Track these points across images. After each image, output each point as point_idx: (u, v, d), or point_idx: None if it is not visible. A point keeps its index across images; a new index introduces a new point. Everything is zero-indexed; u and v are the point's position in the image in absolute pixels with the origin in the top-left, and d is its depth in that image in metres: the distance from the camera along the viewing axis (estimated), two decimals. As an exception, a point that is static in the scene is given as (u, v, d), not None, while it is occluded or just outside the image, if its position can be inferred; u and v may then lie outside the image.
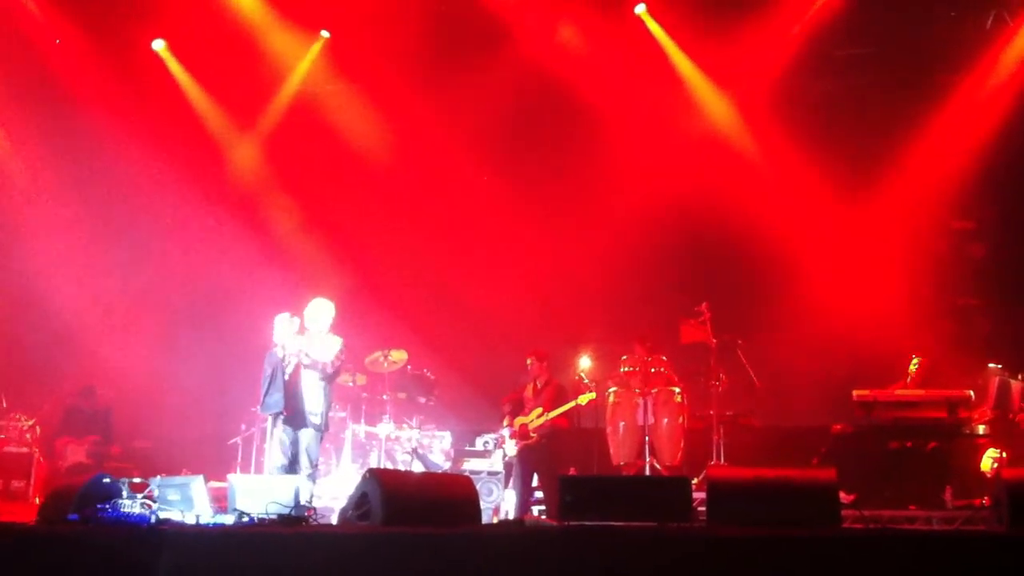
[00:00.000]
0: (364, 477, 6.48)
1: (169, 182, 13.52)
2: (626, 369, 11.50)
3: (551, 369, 10.71)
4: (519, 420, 10.42)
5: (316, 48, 13.68)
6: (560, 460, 10.48)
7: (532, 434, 10.25)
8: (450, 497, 6.64)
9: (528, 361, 10.61)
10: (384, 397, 11.79)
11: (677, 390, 11.15)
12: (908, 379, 10.60)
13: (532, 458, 10.35)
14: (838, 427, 10.30)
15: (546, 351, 10.73)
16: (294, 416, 8.98)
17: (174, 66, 13.82)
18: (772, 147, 12.80)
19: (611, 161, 13.11)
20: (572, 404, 10.17)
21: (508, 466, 10.94)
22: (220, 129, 14.06)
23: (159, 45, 13.71)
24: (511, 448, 10.49)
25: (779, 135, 12.66)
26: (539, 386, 10.54)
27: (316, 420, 9.06)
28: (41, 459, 11.61)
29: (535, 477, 10.64)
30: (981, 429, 9.89)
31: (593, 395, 10.18)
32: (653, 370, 11.31)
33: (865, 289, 12.30)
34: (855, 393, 10.03)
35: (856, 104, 12.91)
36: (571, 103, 13.11)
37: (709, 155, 12.97)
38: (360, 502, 6.34)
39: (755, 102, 12.86)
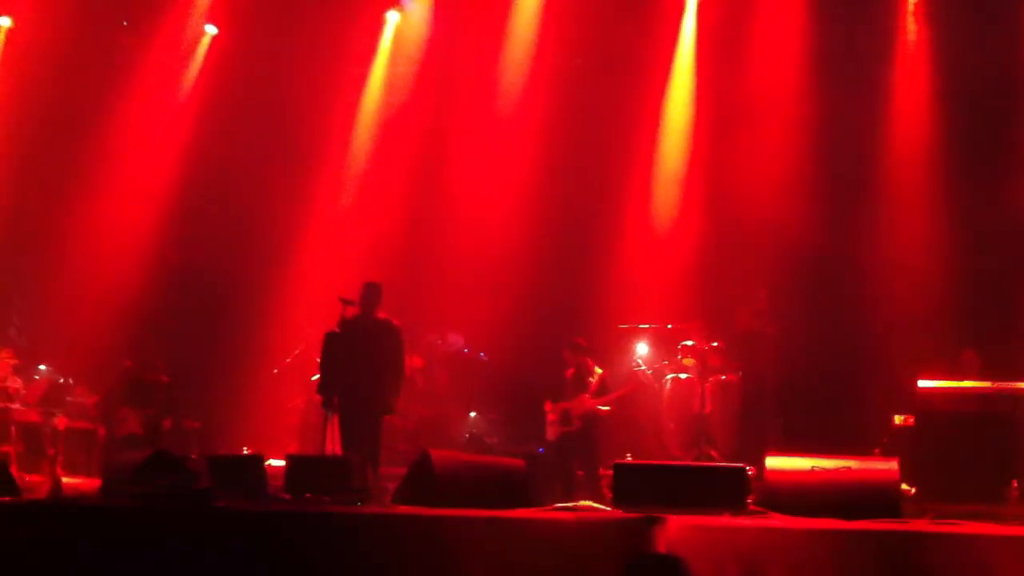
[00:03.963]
0: (418, 458, 6.50)
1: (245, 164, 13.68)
2: (682, 357, 11.40)
3: (593, 358, 10.63)
4: (559, 407, 10.38)
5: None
6: (601, 447, 10.40)
7: (575, 420, 10.22)
8: (503, 479, 6.64)
9: (566, 351, 10.58)
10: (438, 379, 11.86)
11: (734, 378, 11.00)
12: (959, 372, 10.32)
13: (573, 445, 10.33)
14: (900, 418, 10.11)
15: (580, 342, 10.63)
16: (352, 398, 9.00)
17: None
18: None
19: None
20: (606, 406, 10.23)
21: (549, 449, 10.86)
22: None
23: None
24: (551, 433, 10.47)
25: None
26: (580, 373, 10.49)
27: (375, 403, 9.07)
28: (102, 432, 11.81)
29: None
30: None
31: (607, 408, 10.29)
32: (709, 358, 11.20)
33: (927, 274, 11.93)
34: (919, 384, 9.82)
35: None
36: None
37: (774, 141, 12.66)
38: (414, 483, 6.36)
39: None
